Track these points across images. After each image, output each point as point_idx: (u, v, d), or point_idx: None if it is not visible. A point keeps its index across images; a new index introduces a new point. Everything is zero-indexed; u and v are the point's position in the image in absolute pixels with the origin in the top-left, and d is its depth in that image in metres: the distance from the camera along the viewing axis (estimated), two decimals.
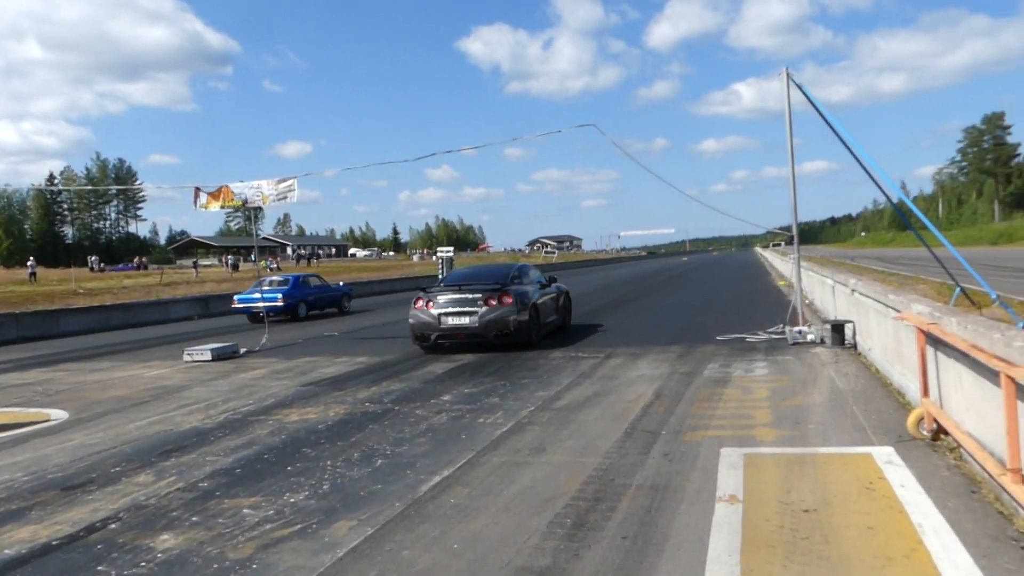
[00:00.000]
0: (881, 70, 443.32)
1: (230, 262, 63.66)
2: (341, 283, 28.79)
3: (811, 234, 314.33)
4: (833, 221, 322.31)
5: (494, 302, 12.93)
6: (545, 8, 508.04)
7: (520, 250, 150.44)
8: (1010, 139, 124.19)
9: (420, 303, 13.44)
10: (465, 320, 12.94)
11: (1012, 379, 4.00)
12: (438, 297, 13.31)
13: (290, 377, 11.86)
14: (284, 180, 15.82)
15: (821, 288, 17.08)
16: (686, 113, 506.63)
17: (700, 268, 59.18)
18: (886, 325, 8.53)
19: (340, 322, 22.20)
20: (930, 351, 6.23)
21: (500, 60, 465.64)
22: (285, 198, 15.97)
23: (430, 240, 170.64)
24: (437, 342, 13.40)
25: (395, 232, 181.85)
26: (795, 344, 12.08)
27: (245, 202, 16.02)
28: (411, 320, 13.50)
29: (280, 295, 22.33)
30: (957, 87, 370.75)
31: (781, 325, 13.86)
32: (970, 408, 5.34)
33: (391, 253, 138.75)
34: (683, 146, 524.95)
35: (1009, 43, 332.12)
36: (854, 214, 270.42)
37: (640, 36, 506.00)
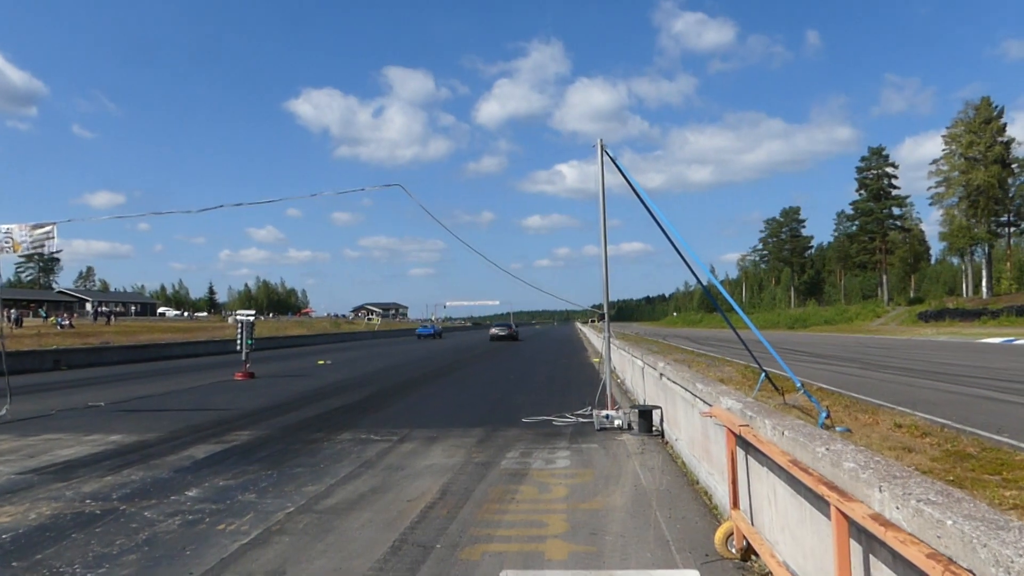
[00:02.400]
0: (691, 162, 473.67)
1: (12, 316, 57.09)
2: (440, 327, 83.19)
3: (628, 311, 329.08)
4: (648, 300, 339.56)
5: (509, 330, 57.54)
6: (376, 77, 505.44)
7: (344, 316, 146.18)
8: (804, 232, 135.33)
9: (492, 328, 60.33)
10: (503, 333, 55.99)
11: (846, 516, 3.12)
12: (493, 327, 59.37)
13: (11, 461, 9.71)
14: (40, 226, 13.64)
15: (632, 368, 16.66)
16: (513, 189, 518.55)
17: (520, 341, 59.23)
18: (694, 416, 7.83)
19: (115, 390, 19.60)
20: (740, 455, 5.43)
21: (330, 124, 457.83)
22: (42, 246, 13.77)
23: (249, 302, 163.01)
24: (496, 340, 52.71)
25: (211, 292, 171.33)
26: (602, 429, 11.31)
27: None
28: (489, 333, 58.30)
29: (432, 330, 67.82)
30: (758, 182, 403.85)
31: (590, 407, 13.14)
32: (785, 529, 4.51)
33: (205, 314, 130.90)
34: (509, 220, 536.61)
35: (801, 146, 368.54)
36: (667, 294, 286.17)
37: (469, 112, 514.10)
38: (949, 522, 2.45)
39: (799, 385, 9.08)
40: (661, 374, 10.73)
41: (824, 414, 7.49)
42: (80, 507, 7.16)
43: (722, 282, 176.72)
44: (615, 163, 12.08)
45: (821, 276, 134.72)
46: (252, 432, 11.74)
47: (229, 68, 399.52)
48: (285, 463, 9.17)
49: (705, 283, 12.03)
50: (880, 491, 3.00)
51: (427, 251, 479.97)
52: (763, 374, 10.17)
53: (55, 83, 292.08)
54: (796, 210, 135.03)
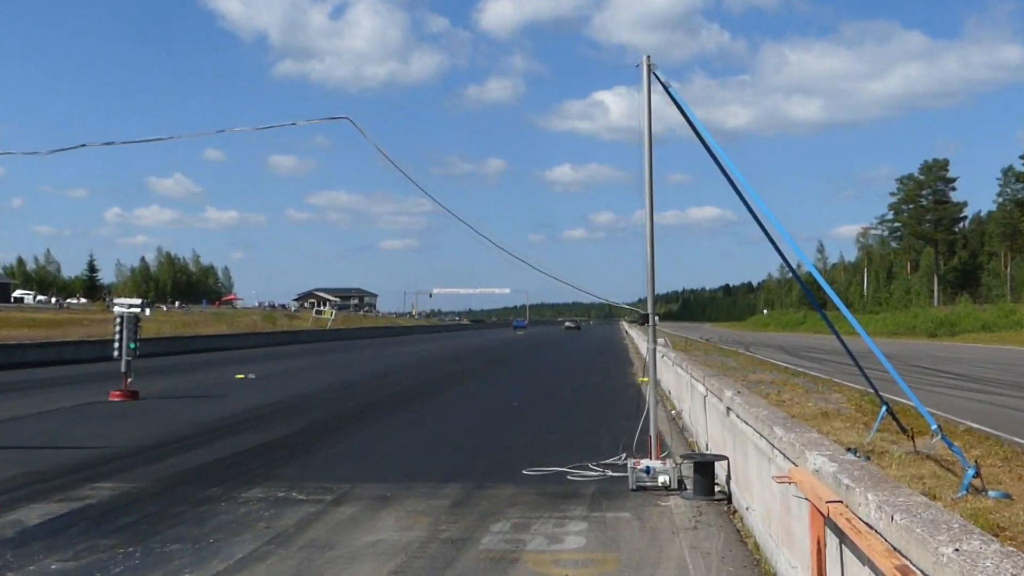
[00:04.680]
0: (791, 91, 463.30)
1: None
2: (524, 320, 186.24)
3: (697, 306, 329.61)
4: (728, 291, 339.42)
5: (576, 323, 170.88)
6: None
7: (283, 306, 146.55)
8: (954, 196, 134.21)
9: (566, 324, 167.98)
10: (572, 325, 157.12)
11: None
12: (566, 322, 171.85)
13: None
14: None
15: (691, 395, 16.38)
16: (533, 127, 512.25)
17: (538, 348, 59.09)
18: (770, 476, 7.50)
19: None
20: (832, 542, 5.11)
21: (267, 28, 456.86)
22: None
23: (147, 283, 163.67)
24: (567, 330, 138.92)
25: (91, 269, 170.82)
26: (640, 489, 11.05)
27: None
28: (564, 326, 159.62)
29: (525, 323, 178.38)
30: (888, 122, 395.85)
31: (624, 454, 12.88)
32: None
33: (81, 300, 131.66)
34: (527, 172, 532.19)
35: (951, 72, 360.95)
36: (755, 283, 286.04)
37: (470, 14, 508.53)
38: None
39: (935, 427, 8.79)
40: (728, 408, 10.42)
41: (971, 471, 7.19)
42: None
43: (835, 267, 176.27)
44: (668, 91, 11.80)
45: (978, 260, 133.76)
46: (117, 484, 11.56)
47: None
48: (157, 535, 8.95)
49: (796, 267, 11.71)
50: None
51: (407, 214, 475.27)
52: (884, 408, 9.89)
53: None
54: (943, 164, 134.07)
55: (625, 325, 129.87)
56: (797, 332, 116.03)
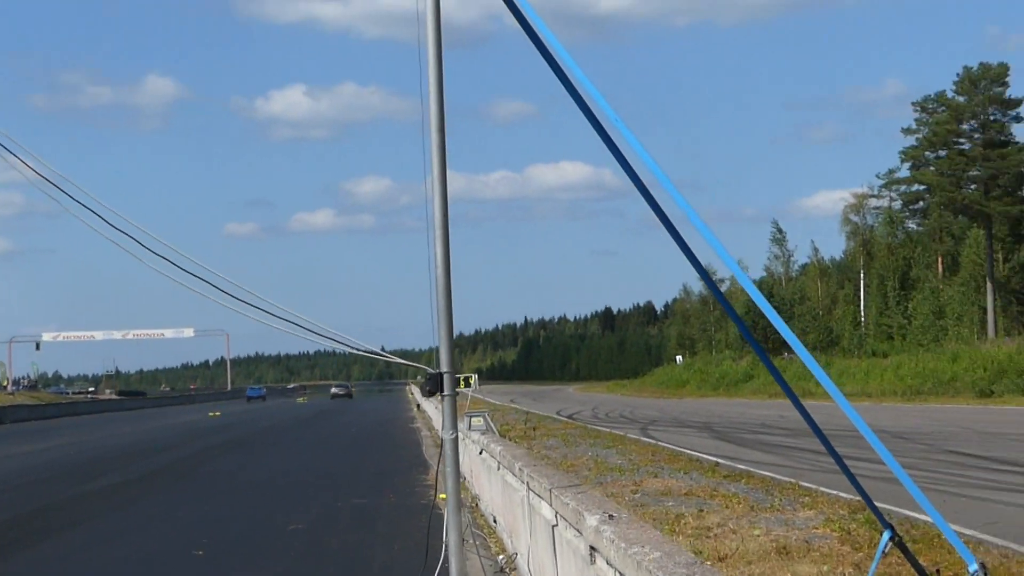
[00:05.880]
0: None
1: None
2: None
3: (554, 355, 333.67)
4: (609, 322, 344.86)
5: (346, 388, 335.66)
6: None
7: None
8: (1020, 130, 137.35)
9: (332, 389, 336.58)
10: (341, 392, 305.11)
11: None
12: (332, 387, 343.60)
13: None
14: None
15: (529, 525, 16.56)
16: (231, 13, 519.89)
17: (245, 441, 59.19)
18: None
19: None
20: None
21: None
22: None
23: None
24: (334, 398, 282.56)
25: None
26: None
27: None
28: (331, 392, 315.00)
29: (263, 391, 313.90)
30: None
31: None
32: None
33: None
34: (220, 102, 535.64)
35: None
36: (661, 305, 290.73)
37: None
38: None
39: (975, 567, 9.14)
40: (592, 548, 10.55)
41: None
42: None
43: (804, 271, 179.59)
44: None
45: None
46: None
47: None
48: None
49: (719, 281, 11.99)
50: None
51: None
52: (886, 534, 10.20)
53: None
54: (1000, 71, 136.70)
55: (415, 392, 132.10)
56: (741, 396, 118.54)
